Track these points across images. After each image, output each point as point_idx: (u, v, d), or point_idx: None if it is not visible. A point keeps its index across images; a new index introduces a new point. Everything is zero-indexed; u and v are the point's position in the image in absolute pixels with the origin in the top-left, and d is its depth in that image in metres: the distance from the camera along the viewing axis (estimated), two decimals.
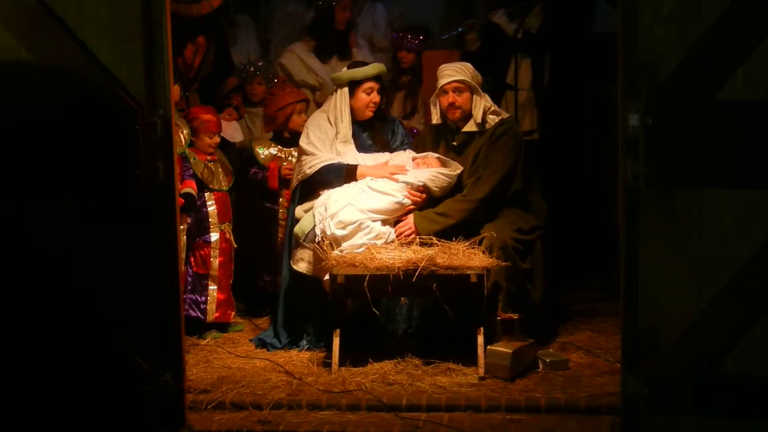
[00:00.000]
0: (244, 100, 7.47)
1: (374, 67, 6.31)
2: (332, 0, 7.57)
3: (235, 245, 6.61)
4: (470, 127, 6.13)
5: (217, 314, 6.51)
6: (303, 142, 6.23)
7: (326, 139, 6.20)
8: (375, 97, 6.26)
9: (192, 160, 6.43)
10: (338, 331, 5.64)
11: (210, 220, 6.51)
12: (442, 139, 6.28)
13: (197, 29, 6.97)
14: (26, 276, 4.53)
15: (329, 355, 5.70)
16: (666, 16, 4.31)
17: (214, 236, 6.52)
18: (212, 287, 6.51)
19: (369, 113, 6.29)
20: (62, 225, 4.50)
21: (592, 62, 7.12)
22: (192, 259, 6.49)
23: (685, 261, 4.34)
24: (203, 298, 6.49)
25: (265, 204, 6.88)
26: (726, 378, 4.36)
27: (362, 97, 6.24)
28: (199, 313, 6.48)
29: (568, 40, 7.17)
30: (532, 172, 6.23)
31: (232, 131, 7.20)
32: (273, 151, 6.85)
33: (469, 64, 6.20)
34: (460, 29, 7.47)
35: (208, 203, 6.51)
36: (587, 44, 7.18)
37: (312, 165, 6.12)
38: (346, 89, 6.26)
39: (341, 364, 5.60)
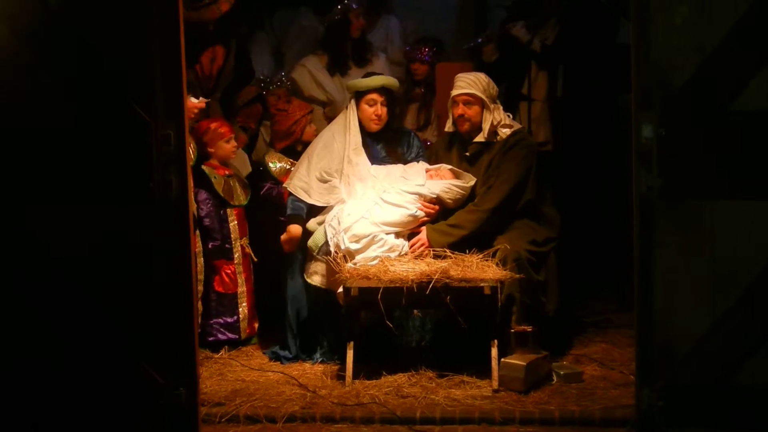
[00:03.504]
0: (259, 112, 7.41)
1: (376, 79, 6.26)
2: (346, 10, 7.54)
3: (255, 259, 6.59)
4: (481, 138, 6.13)
5: (247, 330, 6.50)
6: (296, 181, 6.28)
7: (330, 162, 6.18)
8: (378, 109, 6.18)
9: (213, 178, 6.42)
10: (352, 343, 5.64)
11: (231, 236, 6.51)
12: (456, 148, 6.28)
13: (214, 38, 6.94)
14: (41, 290, 4.54)
15: (343, 368, 5.70)
16: (679, 26, 4.30)
17: (236, 252, 6.51)
18: (243, 305, 6.49)
19: (374, 126, 6.23)
20: (75, 238, 4.51)
21: (605, 73, 7.10)
22: (216, 279, 6.45)
23: (698, 272, 4.33)
24: (233, 318, 6.46)
25: (280, 218, 6.86)
26: (740, 389, 4.34)
27: (365, 108, 6.20)
28: (230, 335, 6.44)
29: (584, 51, 7.15)
30: (545, 183, 6.21)
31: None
32: (285, 164, 6.82)
33: (483, 76, 6.16)
34: (479, 40, 7.46)
35: (230, 219, 6.50)
36: (601, 55, 7.16)
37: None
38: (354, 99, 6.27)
39: (355, 376, 5.60)
